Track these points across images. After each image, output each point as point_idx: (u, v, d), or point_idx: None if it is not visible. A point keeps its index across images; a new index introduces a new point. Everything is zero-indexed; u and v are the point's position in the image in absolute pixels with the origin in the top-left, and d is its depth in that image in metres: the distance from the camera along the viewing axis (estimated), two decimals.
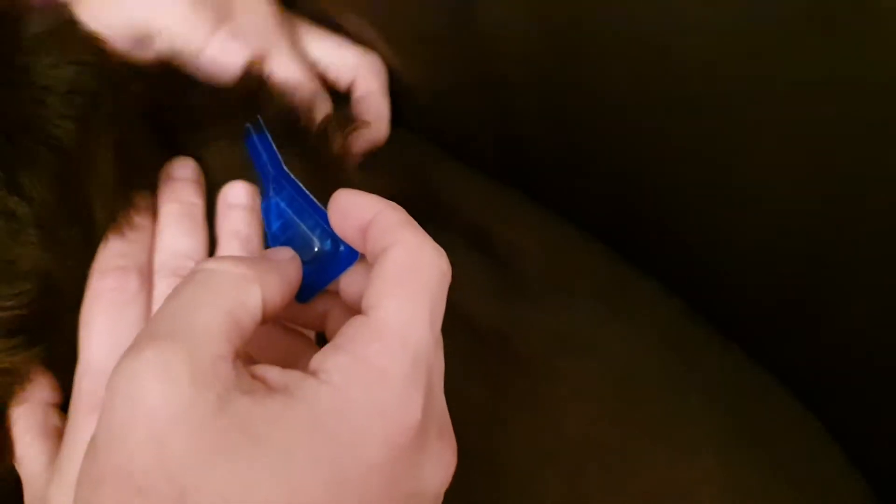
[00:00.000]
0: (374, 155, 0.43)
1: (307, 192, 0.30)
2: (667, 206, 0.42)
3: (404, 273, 0.26)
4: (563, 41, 0.38)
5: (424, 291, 0.26)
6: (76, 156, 0.33)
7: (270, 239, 0.31)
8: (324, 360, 0.25)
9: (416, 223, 0.27)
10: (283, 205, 0.29)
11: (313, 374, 0.25)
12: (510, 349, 0.37)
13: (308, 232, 0.29)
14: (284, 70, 0.41)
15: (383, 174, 0.40)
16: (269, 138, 0.32)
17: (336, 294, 0.30)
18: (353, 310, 0.28)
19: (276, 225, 0.30)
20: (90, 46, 0.36)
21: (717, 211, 0.40)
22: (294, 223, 0.29)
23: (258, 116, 0.34)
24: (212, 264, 0.26)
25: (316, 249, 0.29)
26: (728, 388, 0.41)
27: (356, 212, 0.27)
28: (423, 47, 0.44)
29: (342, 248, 0.28)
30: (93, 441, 0.24)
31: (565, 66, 0.39)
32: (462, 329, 0.37)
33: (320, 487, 0.23)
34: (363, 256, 0.28)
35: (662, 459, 0.37)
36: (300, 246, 0.28)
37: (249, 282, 0.26)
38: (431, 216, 0.40)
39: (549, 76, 0.40)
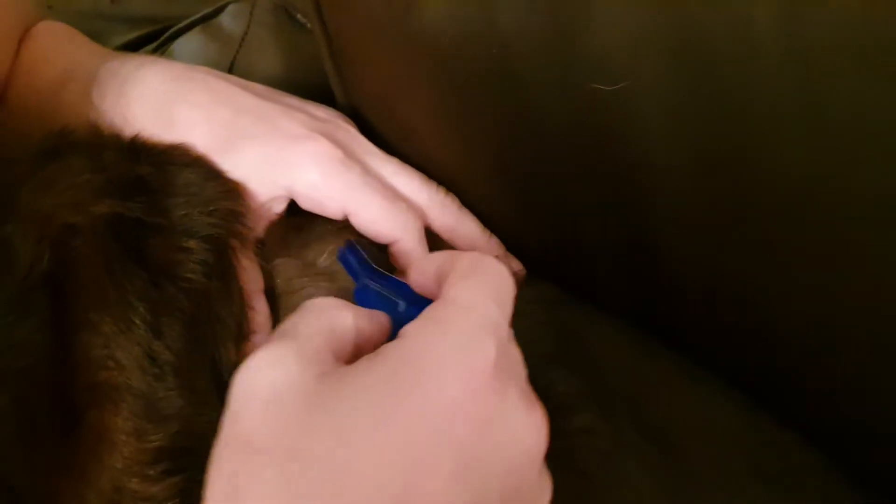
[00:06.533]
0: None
1: (388, 274, 0.38)
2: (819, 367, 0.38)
3: (469, 268, 0.31)
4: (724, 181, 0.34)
5: (486, 279, 0.30)
6: (205, 303, 0.35)
7: None
8: (405, 329, 0.29)
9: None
10: (372, 287, 0.37)
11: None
12: None
13: (393, 297, 0.36)
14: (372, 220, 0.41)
15: None
16: (360, 250, 0.40)
17: None
18: None
19: (371, 303, 0.37)
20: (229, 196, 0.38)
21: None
22: (382, 296, 0.36)
23: (350, 239, 0.40)
24: (319, 300, 0.32)
25: (400, 309, 0.36)
26: None
27: (429, 266, 0.33)
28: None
29: (420, 302, 0.34)
30: (220, 422, 0.28)
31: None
32: None
33: (409, 424, 0.26)
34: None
35: None
36: (389, 309, 0.36)
37: (342, 309, 0.31)
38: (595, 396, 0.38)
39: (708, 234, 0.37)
